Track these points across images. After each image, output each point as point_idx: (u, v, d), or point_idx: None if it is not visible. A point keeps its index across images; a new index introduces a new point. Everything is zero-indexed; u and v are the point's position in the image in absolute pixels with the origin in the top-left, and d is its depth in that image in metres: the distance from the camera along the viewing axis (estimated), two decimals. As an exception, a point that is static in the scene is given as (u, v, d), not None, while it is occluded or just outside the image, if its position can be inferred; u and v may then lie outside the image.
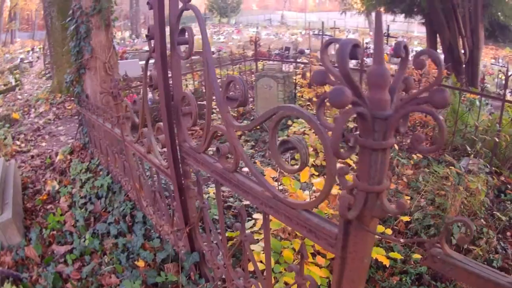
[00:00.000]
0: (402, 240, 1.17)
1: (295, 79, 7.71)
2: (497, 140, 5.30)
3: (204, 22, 1.78)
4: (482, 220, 4.11)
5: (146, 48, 20.74)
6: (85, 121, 5.60)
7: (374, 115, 0.99)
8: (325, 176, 1.40)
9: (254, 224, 3.08)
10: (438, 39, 13.70)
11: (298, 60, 8.08)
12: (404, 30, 34.80)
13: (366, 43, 33.43)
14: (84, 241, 3.38)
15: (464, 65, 12.52)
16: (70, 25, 5.35)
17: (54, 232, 3.72)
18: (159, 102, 2.25)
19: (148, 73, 2.31)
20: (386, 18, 17.82)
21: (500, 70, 16.85)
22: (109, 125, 3.89)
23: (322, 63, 1.09)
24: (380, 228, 3.10)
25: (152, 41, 2.14)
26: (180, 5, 1.88)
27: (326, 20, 49.15)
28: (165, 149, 2.39)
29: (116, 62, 5.63)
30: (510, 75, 6.13)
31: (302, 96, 7.59)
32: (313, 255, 2.76)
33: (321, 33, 21.21)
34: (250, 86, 8.42)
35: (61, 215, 4.04)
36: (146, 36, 2.14)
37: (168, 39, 2.05)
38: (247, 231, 2.01)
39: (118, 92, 3.42)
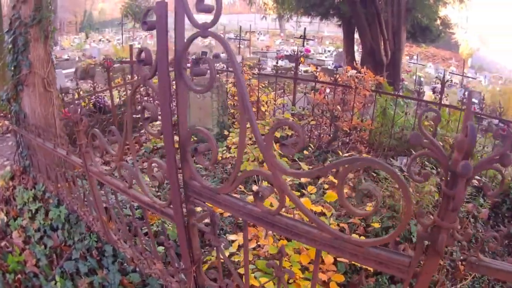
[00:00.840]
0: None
1: (227, 88, 7.66)
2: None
3: (235, 56, 1.67)
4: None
5: (66, 56, 19.54)
6: (24, 142, 5.12)
7: (459, 173, 1.17)
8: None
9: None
10: (358, 40, 14.32)
11: (230, 69, 8.03)
12: (315, 30, 35.93)
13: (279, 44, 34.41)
14: (55, 283, 3.09)
15: (385, 66, 13.16)
16: (7, 37, 4.84)
17: (19, 276, 3.37)
18: (163, 136, 2.11)
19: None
20: (298, 19, 18.16)
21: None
22: (62, 151, 3.57)
23: (419, 128, 1.28)
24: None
25: (147, 67, 1.96)
26: (192, 28, 1.74)
27: (237, 22, 49.58)
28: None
29: (55, 77, 5.17)
30: (447, 81, 6.64)
31: (234, 105, 7.55)
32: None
33: (238, 37, 21.53)
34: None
35: (19, 254, 3.67)
36: (139, 61, 1.91)
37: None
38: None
39: (80, 118, 3.15)
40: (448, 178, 1.26)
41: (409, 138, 1.26)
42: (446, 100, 7.94)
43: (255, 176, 4.18)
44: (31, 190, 4.73)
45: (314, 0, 15.00)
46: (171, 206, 2.23)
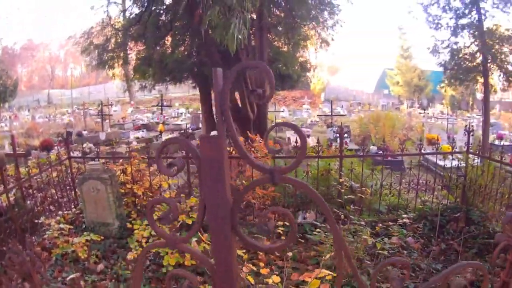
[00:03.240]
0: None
1: (118, 176, 7.01)
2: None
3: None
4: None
5: None
6: None
7: None
8: None
9: None
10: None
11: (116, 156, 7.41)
12: (155, 94, 35.86)
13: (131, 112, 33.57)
14: None
15: (252, 121, 13.34)
16: None
17: None
18: None
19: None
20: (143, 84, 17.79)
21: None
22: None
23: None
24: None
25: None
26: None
27: (88, 94, 47.78)
28: None
29: None
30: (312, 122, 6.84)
31: (131, 194, 6.84)
32: None
33: (100, 113, 20.58)
34: (71, 188, 7.32)
35: None
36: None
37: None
38: None
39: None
40: None
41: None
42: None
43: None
44: None
45: (172, 66, 14.82)
46: None
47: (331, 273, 3.21)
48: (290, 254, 4.88)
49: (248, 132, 8.94)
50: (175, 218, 1.16)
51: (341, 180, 6.41)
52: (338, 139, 16.95)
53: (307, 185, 1.08)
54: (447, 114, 27.41)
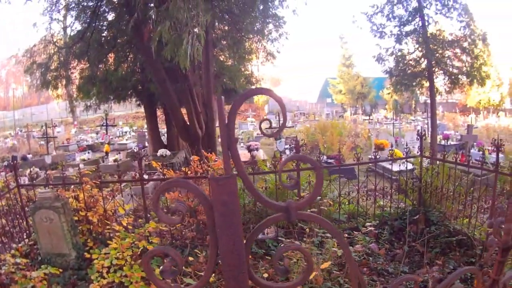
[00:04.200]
0: None
1: (71, 203, 6.65)
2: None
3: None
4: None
5: None
6: None
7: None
8: None
9: None
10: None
11: (67, 182, 7.00)
12: (99, 113, 34.86)
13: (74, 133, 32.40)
14: None
15: (201, 139, 13.14)
16: None
17: None
18: None
19: None
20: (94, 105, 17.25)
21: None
22: None
23: None
24: None
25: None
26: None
27: (30, 115, 45.89)
28: None
29: None
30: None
31: (86, 221, 6.47)
32: None
33: (44, 136, 19.64)
34: (22, 218, 6.85)
35: None
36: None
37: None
38: None
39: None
40: None
41: None
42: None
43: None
44: None
45: (116, 84, 14.50)
46: None
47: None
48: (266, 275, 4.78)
49: (198, 149, 8.75)
50: (181, 269, 1.03)
51: (302, 194, 6.39)
52: (289, 151, 17.02)
53: (328, 222, 0.99)
54: (392, 119, 28.21)
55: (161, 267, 1.04)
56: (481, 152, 10.04)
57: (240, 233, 0.98)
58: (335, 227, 6.38)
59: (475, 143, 16.87)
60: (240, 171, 0.94)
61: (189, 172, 6.45)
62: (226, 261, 0.98)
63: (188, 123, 13.07)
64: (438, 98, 16.84)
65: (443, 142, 16.84)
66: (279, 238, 5.90)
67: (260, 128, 1.17)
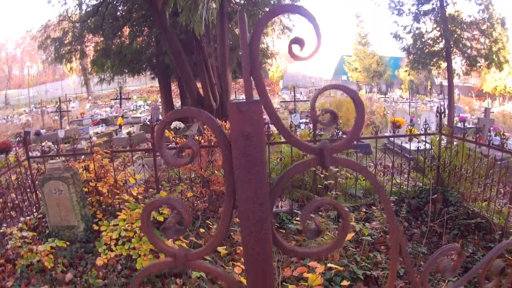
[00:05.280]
0: None
1: (81, 174, 6.53)
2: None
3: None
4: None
5: None
6: None
7: None
8: None
9: None
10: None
11: (78, 152, 6.84)
12: (113, 88, 34.77)
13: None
14: None
15: (215, 111, 13.02)
16: None
17: None
18: None
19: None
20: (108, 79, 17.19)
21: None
22: None
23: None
24: None
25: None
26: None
27: (45, 91, 46.15)
28: None
29: None
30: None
31: (95, 192, 6.36)
32: None
33: (58, 110, 19.63)
34: (32, 191, 6.76)
35: None
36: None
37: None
38: None
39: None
40: None
41: None
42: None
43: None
44: None
45: (130, 57, 14.45)
46: None
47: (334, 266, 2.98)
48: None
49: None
50: (187, 225, 0.85)
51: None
52: (305, 124, 16.83)
53: (365, 167, 0.81)
54: (408, 99, 27.76)
55: (163, 224, 0.86)
56: (498, 137, 9.78)
57: (264, 178, 0.80)
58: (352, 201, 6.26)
59: (492, 128, 16.50)
60: (266, 100, 0.75)
61: (202, 141, 6.30)
62: (245, 214, 0.80)
63: (203, 95, 12.93)
64: (454, 81, 16.53)
65: (459, 125, 16.51)
66: (294, 210, 5.75)
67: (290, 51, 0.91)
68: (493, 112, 23.32)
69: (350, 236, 3.63)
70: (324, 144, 0.79)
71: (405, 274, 3.96)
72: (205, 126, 6.77)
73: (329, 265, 3.46)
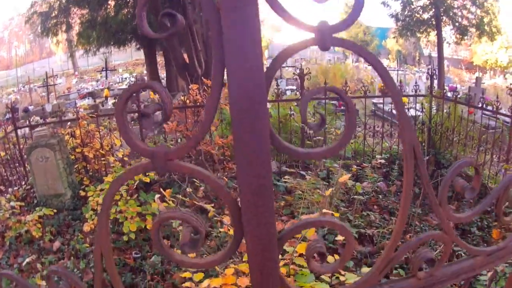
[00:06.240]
0: None
1: (67, 141, 6.42)
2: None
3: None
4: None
5: None
6: None
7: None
8: None
9: None
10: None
11: (64, 118, 6.74)
12: (99, 63, 34.12)
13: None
14: None
15: (200, 77, 12.90)
16: None
17: None
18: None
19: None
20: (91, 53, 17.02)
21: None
22: None
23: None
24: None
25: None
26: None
27: (32, 70, 45.34)
28: None
29: None
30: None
31: (82, 159, 6.26)
32: None
33: (45, 84, 19.37)
34: (20, 164, 6.65)
35: None
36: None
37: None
38: None
39: None
40: None
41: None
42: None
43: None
44: None
45: (115, 28, 14.29)
46: None
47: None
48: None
49: (196, 77, 8.41)
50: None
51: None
52: (290, 91, 16.65)
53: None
54: (395, 68, 27.57)
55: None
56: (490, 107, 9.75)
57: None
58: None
59: (483, 97, 16.49)
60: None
61: (187, 101, 6.20)
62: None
63: (188, 62, 12.79)
64: (443, 53, 16.39)
65: (449, 94, 16.47)
66: (284, 169, 5.69)
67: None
68: (484, 83, 23.28)
69: (329, 192, 3.52)
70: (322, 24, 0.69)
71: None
72: (190, 86, 6.65)
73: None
